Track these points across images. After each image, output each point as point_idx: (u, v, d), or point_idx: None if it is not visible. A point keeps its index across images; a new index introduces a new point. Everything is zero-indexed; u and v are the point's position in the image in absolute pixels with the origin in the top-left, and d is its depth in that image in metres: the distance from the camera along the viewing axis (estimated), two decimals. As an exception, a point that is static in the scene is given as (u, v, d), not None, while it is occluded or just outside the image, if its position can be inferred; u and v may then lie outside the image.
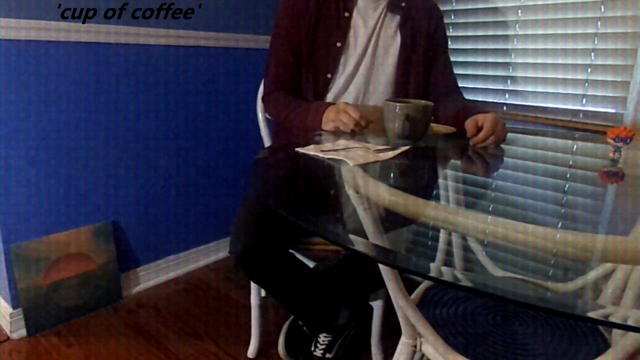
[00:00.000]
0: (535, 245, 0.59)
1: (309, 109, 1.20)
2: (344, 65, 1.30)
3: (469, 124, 1.09)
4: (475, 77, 1.79)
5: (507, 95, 1.72)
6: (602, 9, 1.46)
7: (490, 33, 1.73)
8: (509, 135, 1.18)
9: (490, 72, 1.75)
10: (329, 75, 1.30)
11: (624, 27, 1.43)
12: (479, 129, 1.07)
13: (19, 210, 1.45)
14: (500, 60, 1.71)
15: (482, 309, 0.95)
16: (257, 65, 2.01)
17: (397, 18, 1.32)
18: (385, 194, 0.75)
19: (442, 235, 0.67)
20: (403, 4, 1.33)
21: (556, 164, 1.05)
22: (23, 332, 1.50)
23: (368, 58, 1.31)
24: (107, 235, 1.66)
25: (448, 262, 0.57)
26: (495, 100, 1.75)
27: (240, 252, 1.10)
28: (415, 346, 0.83)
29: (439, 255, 0.60)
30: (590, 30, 1.49)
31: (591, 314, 0.44)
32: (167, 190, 1.83)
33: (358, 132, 1.11)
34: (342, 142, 1.00)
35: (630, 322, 0.42)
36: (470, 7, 1.76)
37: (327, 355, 1.36)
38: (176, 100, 1.78)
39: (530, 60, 1.64)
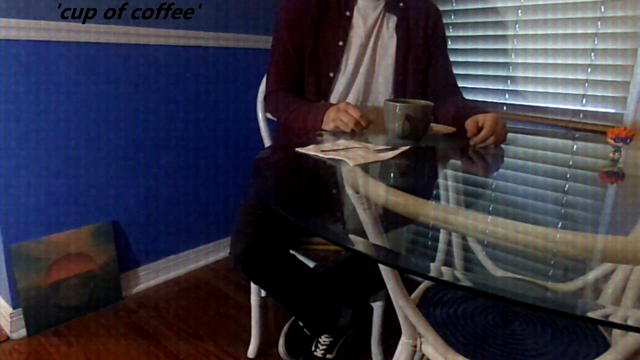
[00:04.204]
0: (535, 245, 0.59)
1: (310, 109, 1.20)
2: (346, 64, 1.30)
3: (470, 124, 1.08)
4: (475, 77, 1.79)
5: (507, 95, 1.72)
6: (602, 9, 1.46)
7: (490, 33, 1.73)
8: (509, 135, 1.18)
9: (490, 72, 1.75)
10: (332, 74, 1.30)
11: (624, 27, 1.43)
12: (480, 129, 1.07)
13: (19, 210, 1.45)
14: (500, 60, 1.72)
15: (482, 309, 0.95)
16: (257, 65, 2.01)
17: (395, 18, 1.32)
18: (385, 194, 0.75)
19: (442, 235, 0.67)
20: (401, 4, 1.33)
21: (556, 164, 1.06)
22: (23, 332, 1.50)
23: (367, 58, 1.31)
24: (107, 235, 1.66)
25: (448, 262, 0.57)
26: (495, 100, 1.75)
27: (240, 252, 1.10)
28: (415, 346, 0.83)
29: (439, 255, 0.60)
30: (590, 30, 1.49)
31: (591, 314, 0.44)
32: (167, 190, 1.83)
33: (358, 132, 1.11)
34: (342, 142, 1.00)
35: (630, 322, 0.42)
36: (470, 7, 1.76)
37: (328, 356, 1.36)
38: (176, 100, 1.78)
39: (530, 60, 1.64)
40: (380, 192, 0.76)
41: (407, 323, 0.81)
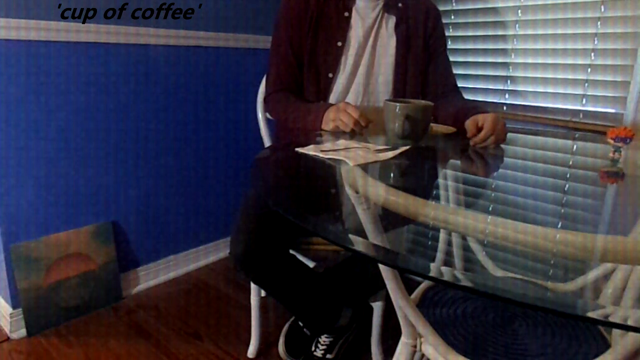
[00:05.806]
0: (535, 245, 0.59)
1: (310, 109, 1.20)
2: (345, 65, 1.30)
3: (469, 124, 1.08)
4: (475, 77, 1.79)
5: (507, 95, 1.72)
6: (602, 9, 1.46)
7: (490, 33, 1.73)
8: (509, 135, 1.18)
9: (490, 72, 1.75)
10: (331, 75, 1.30)
11: (624, 27, 1.43)
12: (479, 129, 1.07)
13: (19, 210, 1.45)
14: (500, 60, 1.71)
15: (482, 309, 0.95)
16: (257, 65, 2.01)
17: (394, 18, 1.32)
18: (385, 194, 0.75)
19: (442, 235, 0.67)
20: (400, 5, 1.33)
21: (556, 164, 1.05)
22: (23, 332, 1.49)
23: (366, 58, 1.31)
24: (107, 235, 1.66)
25: (448, 262, 0.57)
26: (495, 100, 1.75)
27: (240, 253, 1.10)
28: (415, 346, 0.83)
29: (439, 255, 0.60)
30: (590, 30, 1.49)
31: (591, 314, 0.44)
32: (167, 190, 1.83)
33: (358, 131, 1.11)
34: (342, 142, 1.00)
35: (630, 322, 0.42)
36: (470, 7, 1.76)
37: (328, 356, 1.36)
38: (176, 100, 1.78)
39: (530, 60, 1.64)
40: (380, 192, 0.76)
41: (407, 323, 0.81)
